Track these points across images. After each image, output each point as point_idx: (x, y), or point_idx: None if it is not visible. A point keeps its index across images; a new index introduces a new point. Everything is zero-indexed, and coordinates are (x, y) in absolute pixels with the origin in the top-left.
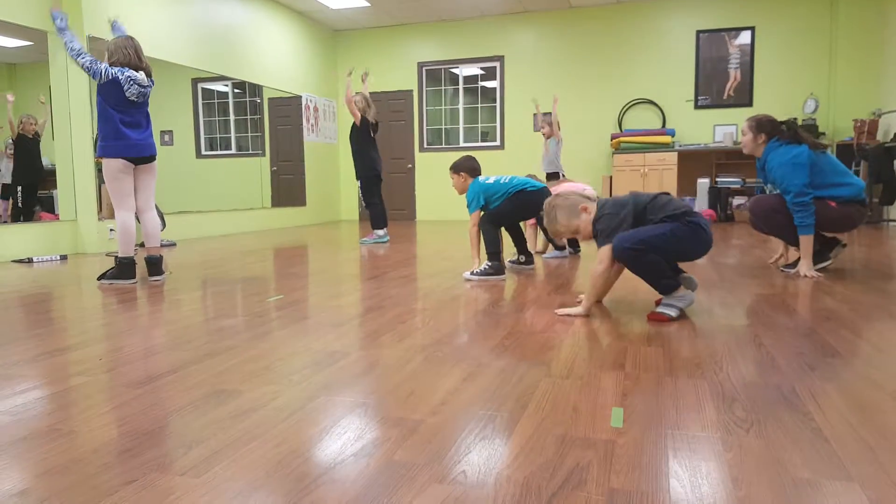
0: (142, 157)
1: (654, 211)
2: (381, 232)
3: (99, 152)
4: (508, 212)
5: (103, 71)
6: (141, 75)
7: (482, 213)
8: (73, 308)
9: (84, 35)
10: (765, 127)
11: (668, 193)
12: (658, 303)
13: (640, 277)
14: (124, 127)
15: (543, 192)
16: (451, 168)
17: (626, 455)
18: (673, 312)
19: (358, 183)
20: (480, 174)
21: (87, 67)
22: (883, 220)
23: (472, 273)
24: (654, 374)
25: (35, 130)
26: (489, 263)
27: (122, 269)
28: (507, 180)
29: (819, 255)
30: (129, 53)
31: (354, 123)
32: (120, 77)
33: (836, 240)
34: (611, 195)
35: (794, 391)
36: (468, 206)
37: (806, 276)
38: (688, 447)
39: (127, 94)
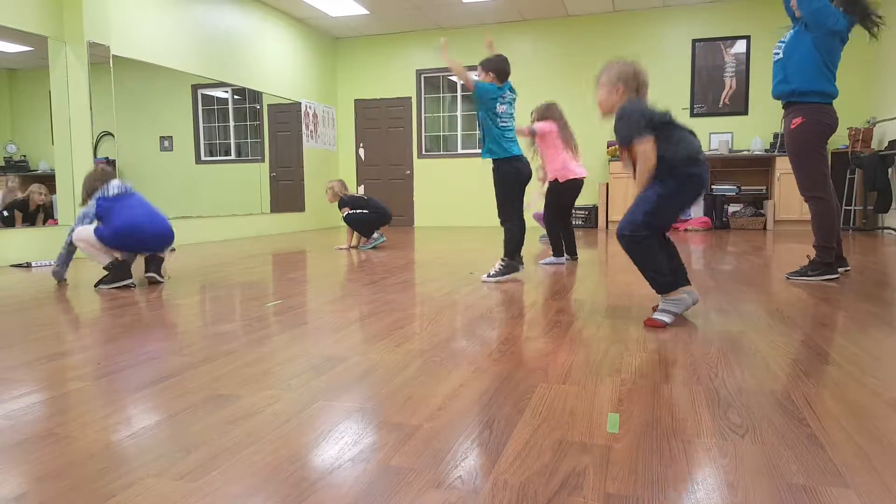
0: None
1: (664, 138)
2: (375, 234)
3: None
4: (510, 194)
5: (89, 222)
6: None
7: (509, 212)
8: (72, 313)
9: (85, 41)
10: None
11: (687, 131)
12: (655, 309)
13: (637, 266)
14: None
15: (522, 160)
16: (480, 64)
17: (623, 460)
18: (667, 318)
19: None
20: (508, 78)
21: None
22: (878, 227)
23: (488, 276)
24: (650, 379)
25: (39, 204)
26: (503, 262)
27: (116, 271)
28: (508, 114)
29: (829, 268)
30: (91, 182)
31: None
32: (96, 202)
33: (844, 259)
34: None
35: (790, 397)
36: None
37: None
38: (683, 453)
39: (112, 193)
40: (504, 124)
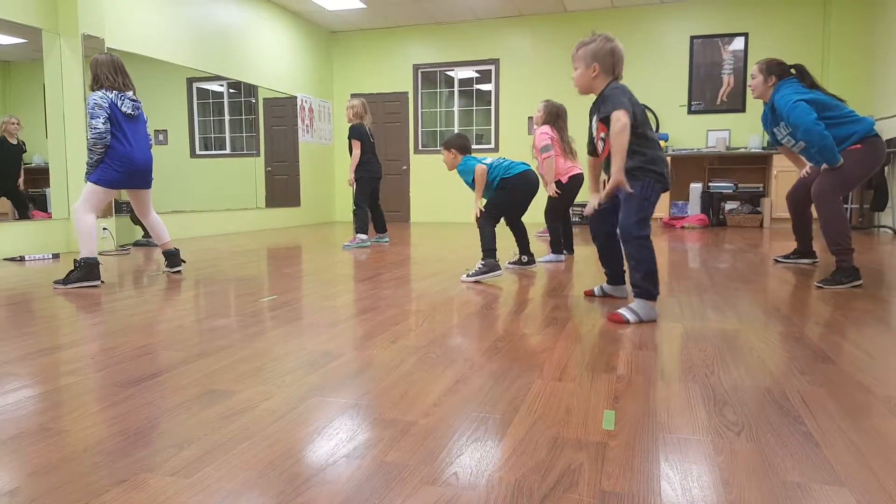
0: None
1: (643, 136)
2: (363, 236)
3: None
4: (502, 202)
5: (100, 115)
6: (129, 94)
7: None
8: (65, 307)
9: (79, 34)
10: (774, 69)
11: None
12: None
13: (635, 267)
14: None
15: (527, 175)
16: (442, 145)
17: (618, 457)
18: (632, 318)
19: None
20: (470, 152)
21: (96, 129)
22: (874, 225)
23: (467, 275)
24: (646, 377)
25: (17, 135)
26: (483, 262)
27: (88, 270)
28: (498, 163)
29: (833, 280)
30: (114, 78)
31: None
32: (107, 101)
33: (813, 252)
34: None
35: (785, 395)
36: (464, 179)
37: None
38: (679, 450)
39: (122, 109)
40: (497, 165)
